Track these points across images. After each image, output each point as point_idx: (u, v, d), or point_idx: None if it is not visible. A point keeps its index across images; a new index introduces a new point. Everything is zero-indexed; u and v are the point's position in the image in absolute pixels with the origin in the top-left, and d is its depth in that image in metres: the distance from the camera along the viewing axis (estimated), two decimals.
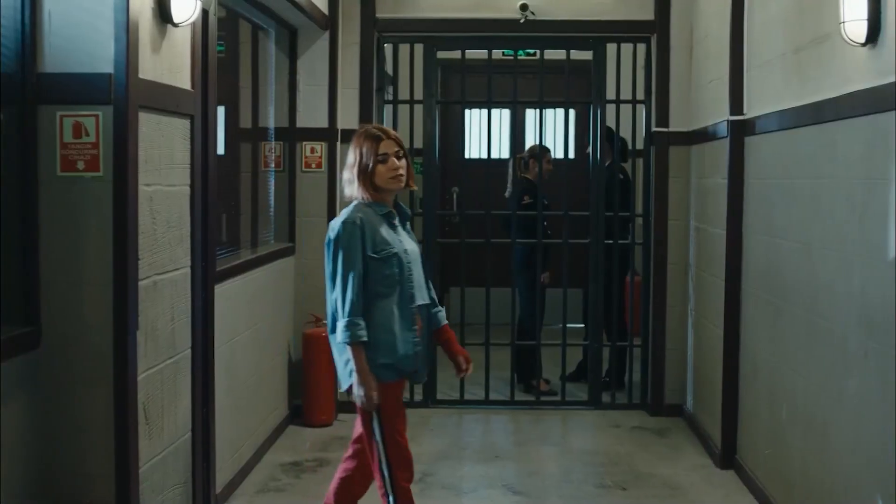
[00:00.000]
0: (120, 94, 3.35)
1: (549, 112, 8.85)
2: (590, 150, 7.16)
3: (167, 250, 3.73)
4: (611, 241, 6.99)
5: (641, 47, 6.87)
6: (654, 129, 6.79)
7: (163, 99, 3.66)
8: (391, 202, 3.96)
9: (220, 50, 5.57)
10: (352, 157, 3.91)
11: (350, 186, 3.92)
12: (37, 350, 3.36)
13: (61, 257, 3.38)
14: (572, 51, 6.94)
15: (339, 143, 6.69)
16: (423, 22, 6.82)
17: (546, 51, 6.93)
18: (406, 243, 3.94)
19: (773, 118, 5.00)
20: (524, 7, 6.69)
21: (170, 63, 3.73)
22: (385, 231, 3.87)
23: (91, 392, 3.41)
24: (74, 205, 3.38)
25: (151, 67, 3.57)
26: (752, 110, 5.44)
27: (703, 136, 6.25)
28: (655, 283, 6.80)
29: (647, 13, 6.72)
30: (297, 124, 6.64)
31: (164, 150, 3.69)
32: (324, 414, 6.53)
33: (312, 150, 6.64)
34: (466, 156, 9.75)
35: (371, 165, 3.85)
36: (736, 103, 5.55)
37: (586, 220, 7.02)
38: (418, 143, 6.95)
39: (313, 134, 6.64)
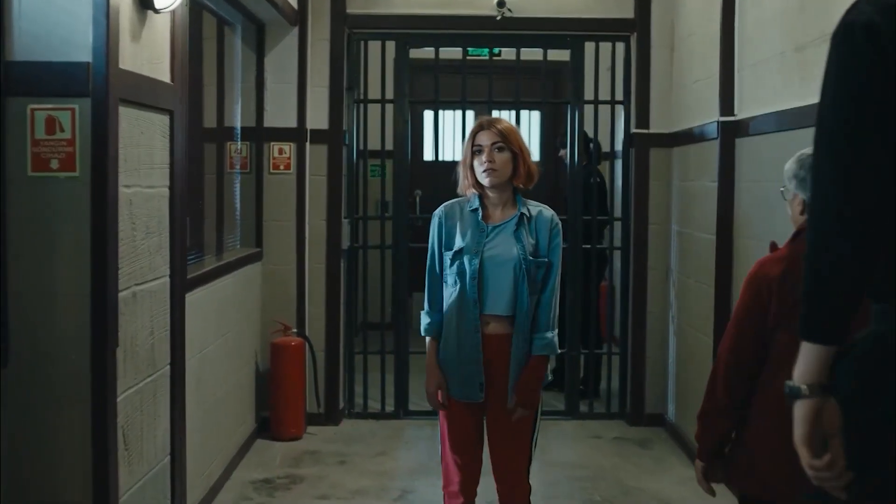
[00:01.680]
0: (99, 86, 2.99)
1: (510, 112, 8.51)
2: (564, 152, 6.91)
3: (146, 258, 3.38)
4: (588, 246, 6.74)
5: (620, 46, 6.62)
6: (633, 130, 6.54)
7: (143, 92, 3.30)
8: (506, 198, 3.69)
9: None
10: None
11: (460, 182, 3.77)
12: (4, 369, 2.99)
13: (32, 266, 3.02)
14: (539, 52, 6.68)
15: (308, 144, 6.35)
16: (395, 18, 6.50)
17: (516, 50, 6.65)
18: (494, 246, 3.63)
19: (771, 119, 4.77)
20: (501, 3, 6.40)
21: (150, 53, 3.38)
22: (464, 228, 3.65)
23: (65, 415, 3.05)
24: (47, 208, 3.02)
25: (131, 57, 3.22)
26: (743, 111, 5.21)
27: (688, 137, 6.01)
28: (635, 289, 6.55)
29: (626, 11, 6.47)
30: (265, 124, 6.28)
31: (143, 149, 3.34)
32: (293, 427, 6.18)
33: (280, 151, 6.29)
34: (427, 158, 9.48)
35: (469, 158, 3.67)
36: (726, 104, 5.32)
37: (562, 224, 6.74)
38: (389, 146, 6.64)
39: (281, 134, 6.28)
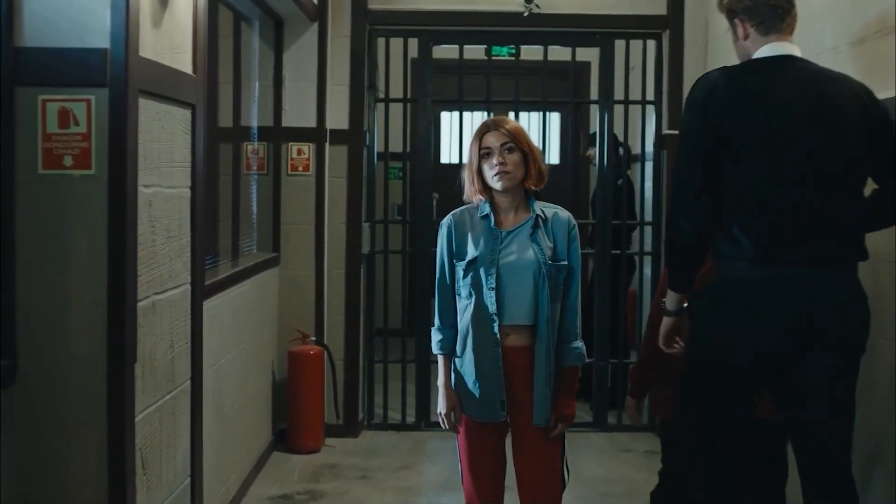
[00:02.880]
0: (118, 75, 2.68)
1: (532, 114, 8.19)
2: (593, 151, 6.60)
3: (166, 264, 3.06)
4: (618, 251, 6.42)
5: (651, 44, 6.30)
6: (665, 131, 6.22)
7: (164, 83, 2.99)
8: (518, 201, 3.44)
9: None
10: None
11: (466, 188, 3.48)
12: (12, 386, 2.68)
13: (42, 274, 2.70)
14: (559, 51, 6.40)
15: (327, 145, 6.03)
16: (419, 14, 6.18)
17: (543, 48, 6.33)
18: (510, 253, 3.38)
19: None
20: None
21: (171, 41, 3.07)
22: (475, 236, 3.40)
23: (79, 437, 2.73)
24: (59, 209, 2.70)
25: (152, 45, 2.90)
26: None
27: None
28: None
29: (659, 7, 6.15)
30: (283, 123, 5.94)
31: (164, 146, 3.02)
32: (311, 439, 5.86)
33: (299, 152, 5.97)
34: (443, 160, 9.17)
35: (476, 162, 3.40)
36: None
37: (587, 228, 6.42)
38: (398, 146, 6.34)
39: (300, 134, 5.95)
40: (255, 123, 5.85)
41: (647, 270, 6.59)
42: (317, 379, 5.87)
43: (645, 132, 6.49)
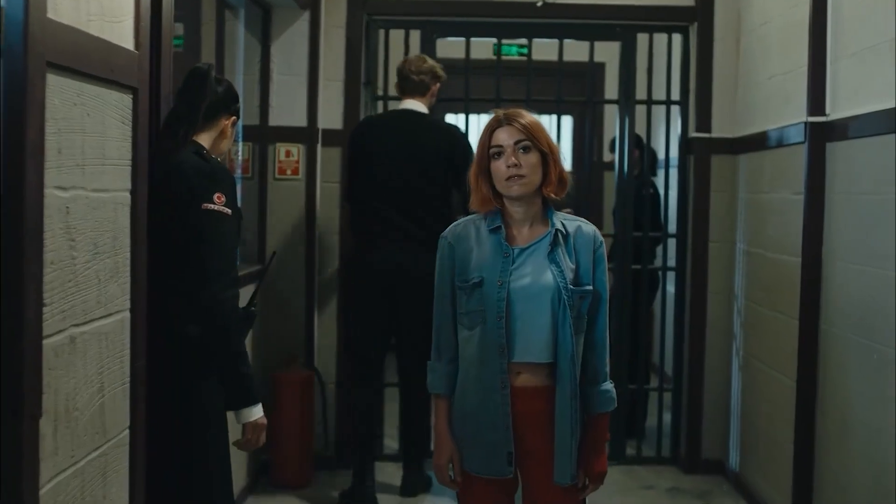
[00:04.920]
0: (14, 41, 1.98)
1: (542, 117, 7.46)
2: (613, 157, 5.90)
3: (93, 288, 2.35)
4: (638, 266, 5.71)
5: (677, 38, 5.59)
6: (692, 134, 5.50)
7: (90, 58, 2.28)
8: (534, 212, 2.79)
9: (177, 43, 4.32)
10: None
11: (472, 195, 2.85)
12: None
13: None
14: (573, 50, 5.72)
15: (319, 146, 5.32)
16: (421, 3, 5.47)
17: (559, 42, 5.63)
18: (524, 275, 2.71)
19: (879, 119, 3.76)
20: None
21: (101, 6, 2.37)
22: (481, 254, 2.76)
23: None
24: None
25: (71, 7, 2.19)
26: (837, 110, 4.20)
27: (759, 142, 4.98)
28: (692, 316, 5.50)
29: None
30: (270, 122, 5.25)
31: (89, 138, 2.32)
32: (298, 473, 5.14)
33: (288, 154, 5.27)
34: None
35: (485, 163, 2.77)
36: (816, 102, 4.29)
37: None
38: None
39: (289, 134, 5.25)
40: (239, 122, 5.14)
41: (671, 287, 5.88)
42: (305, 406, 5.15)
43: (669, 135, 5.78)
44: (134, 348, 2.59)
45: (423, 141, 4.75)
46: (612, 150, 5.95)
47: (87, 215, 2.31)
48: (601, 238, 2.83)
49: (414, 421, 5.06)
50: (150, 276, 2.73)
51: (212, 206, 2.79)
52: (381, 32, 5.58)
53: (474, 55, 5.71)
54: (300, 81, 5.26)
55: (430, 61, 4.93)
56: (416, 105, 4.86)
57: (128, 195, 2.54)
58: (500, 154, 2.72)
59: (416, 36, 5.56)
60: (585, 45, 5.69)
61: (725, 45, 5.39)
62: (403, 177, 4.70)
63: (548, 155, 2.74)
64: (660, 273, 6.02)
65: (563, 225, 2.77)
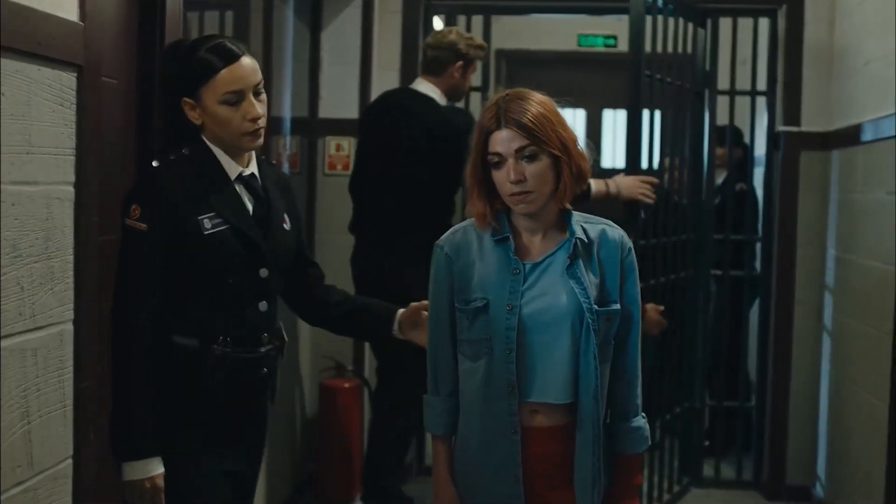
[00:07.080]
0: None
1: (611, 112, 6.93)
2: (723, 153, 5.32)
3: (12, 297, 1.97)
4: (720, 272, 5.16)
5: (764, 23, 5.02)
6: (779, 128, 4.92)
7: (14, 28, 1.91)
8: (549, 218, 2.27)
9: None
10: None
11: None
12: None
13: None
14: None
15: None
16: None
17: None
18: (538, 295, 2.22)
19: None
20: None
21: None
22: (486, 269, 2.25)
23: None
24: None
25: None
26: None
27: (854, 137, 4.38)
28: (777, 329, 4.93)
29: None
30: (320, 114, 4.90)
31: (17, 123, 1.95)
32: (344, 488, 4.74)
33: (338, 148, 4.90)
34: None
35: (479, 170, 2.25)
36: None
37: (679, 246, 5.02)
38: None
39: (340, 127, 4.87)
40: (287, 114, 4.78)
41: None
42: (353, 416, 4.76)
43: (754, 129, 5.21)
44: (79, 366, 2.20)
45: (400, 131, 4.09)
46: (721, 143, 5.29)
47: (14, 212, 1.93)
48: (629, 243, 2.30)
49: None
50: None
51: (127, 220, 2.38)
52: (441, 19, 5.15)
53: (555, 46, 5.24)
54: (352, 71, 4.89)
55: (457, 35, 4.19)
56: (424, 86, 4.17)
57: (69, 189, 2.16)
58: (500, 164, 2.21)
59: (478, 22, 5.10)
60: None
61: (818, 29, 4.80)
62: (370, 173, 4.24)
63: (560, 157, 2.20)
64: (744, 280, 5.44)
65: (583, 231, 2.27)
